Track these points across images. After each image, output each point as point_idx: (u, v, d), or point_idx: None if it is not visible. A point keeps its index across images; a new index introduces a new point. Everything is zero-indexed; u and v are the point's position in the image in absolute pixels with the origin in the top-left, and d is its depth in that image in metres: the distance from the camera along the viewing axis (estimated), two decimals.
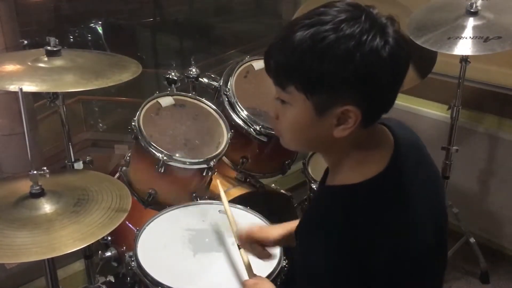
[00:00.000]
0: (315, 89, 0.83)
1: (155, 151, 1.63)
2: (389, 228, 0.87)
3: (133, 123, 1.67)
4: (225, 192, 1.88)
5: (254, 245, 1.27)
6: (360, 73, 0.81)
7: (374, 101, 0.85)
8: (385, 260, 0.85)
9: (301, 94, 0.85)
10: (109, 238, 1.78)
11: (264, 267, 1.35)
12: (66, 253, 1.15)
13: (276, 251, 1.43)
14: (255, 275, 1.24)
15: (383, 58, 0.81)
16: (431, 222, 0.95)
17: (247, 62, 1.99)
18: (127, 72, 1.53)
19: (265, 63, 0.89)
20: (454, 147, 2.14)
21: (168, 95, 1.81)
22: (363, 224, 0.85)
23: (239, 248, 1.30)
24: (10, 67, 1.46)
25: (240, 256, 1.29)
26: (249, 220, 1.60)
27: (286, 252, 1.43)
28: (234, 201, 1.77)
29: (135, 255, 1.40)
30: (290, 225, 1.24)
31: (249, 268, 1.26)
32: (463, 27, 1.82)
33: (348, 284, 0.85)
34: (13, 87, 1.33)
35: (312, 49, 0.80)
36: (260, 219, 1.58)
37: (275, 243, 1.27)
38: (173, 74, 1.86)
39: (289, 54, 0.83)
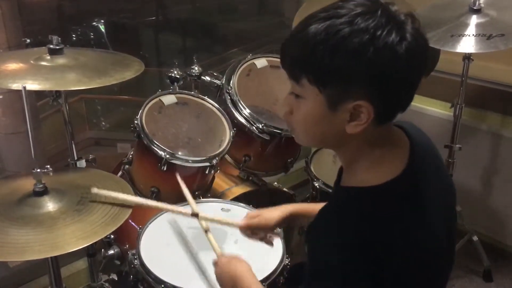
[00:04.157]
0: (327, 82, 0.82)
1: (158, 149, 1.63)
2: (405, 231, 0.85)
3: (135, 122, 1.67)
4: (227, 190, 1.89)
5: (255, 231, 1.30)
6: (373, 68, 0.79)
7: (387, 98, 0.83)
8: (399, 262, 0.84)
9: (314, 87, 0.84)
10: (112, 236, 1.78)
11: (266, 265, 1.35)
12: (69, 251, 1.15)
13: (279, 247, 1.43)
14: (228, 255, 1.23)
15: (398, 54, 0.79)
16: (444, 224, 0.95)
17: (249, 60, 1.99)
18: (129, 70, 1.53)
19: (281, 56, 0.89)
20: (457, 145, 2.13)
21: (170, 93, 1.81)
22: (380, 227, 0.84)
23: (206, 233, 1.31)
24: (13, 66, 1.46)
25: (208, 241, 1.30)
26: None
27: (288, 250, 1.43)
28: (237, 199, 1.77)
29: (138, 253, 1.40)
30: (288, 208, 1.27)
31: (218, 250, 1.26)
32: (466, 25, 1.82)
33: (358, 283, 0.83)
34: (16, 86, 1.33)
35: (325, 42, 0.79)
36: None
37: (275, 227, 1.28)
38: (175, 72, 1.86)
39: (303, 47, 0.82)
